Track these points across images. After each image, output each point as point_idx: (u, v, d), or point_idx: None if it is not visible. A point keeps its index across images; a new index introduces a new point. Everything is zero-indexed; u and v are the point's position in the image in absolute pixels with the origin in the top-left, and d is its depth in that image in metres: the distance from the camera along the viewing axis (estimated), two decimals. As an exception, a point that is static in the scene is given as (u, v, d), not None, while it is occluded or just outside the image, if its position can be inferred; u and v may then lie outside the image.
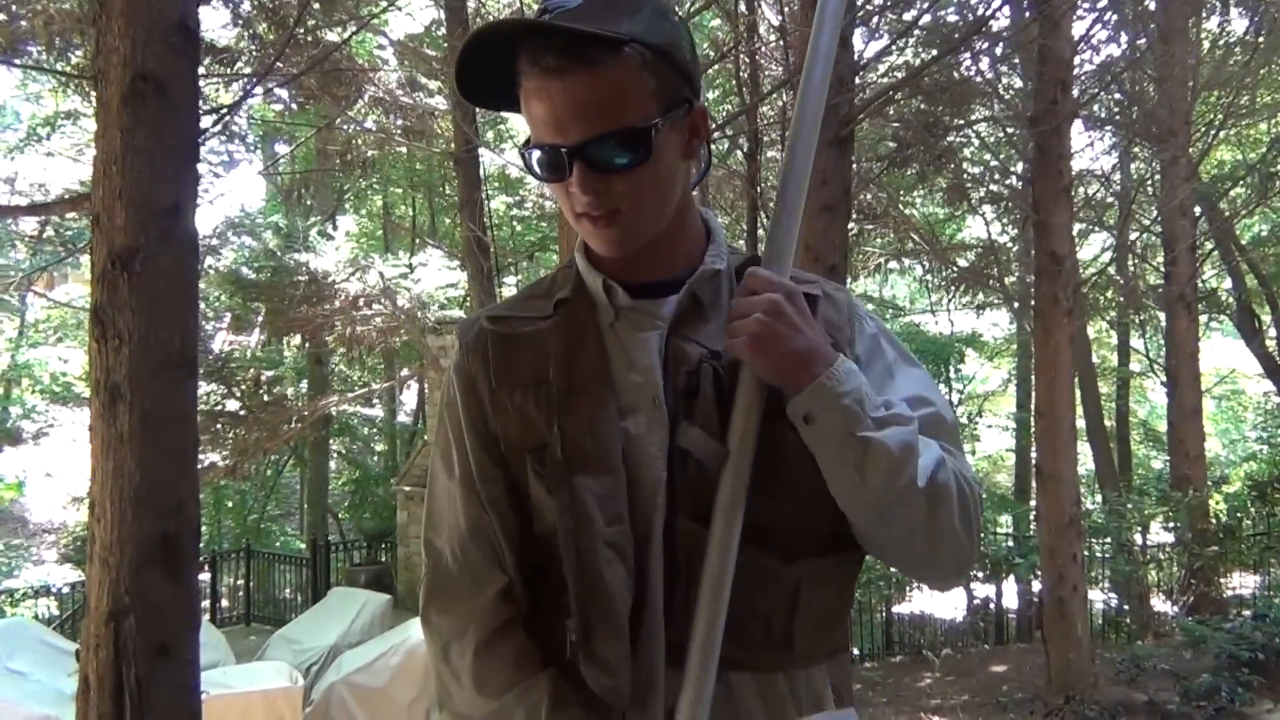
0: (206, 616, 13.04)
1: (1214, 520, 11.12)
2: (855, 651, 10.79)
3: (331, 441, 18.10)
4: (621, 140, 1.11)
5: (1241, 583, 11.48)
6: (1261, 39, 9.13)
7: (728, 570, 1.10)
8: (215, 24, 9.22)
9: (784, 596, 1.16)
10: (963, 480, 1.16)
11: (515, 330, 1.27)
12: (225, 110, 4.63)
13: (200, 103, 3.62)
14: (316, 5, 6.80)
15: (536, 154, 1.15)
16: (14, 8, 6.64)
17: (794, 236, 1.24)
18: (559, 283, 1.30)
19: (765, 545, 1.14)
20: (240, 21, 7.74)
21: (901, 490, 1.10)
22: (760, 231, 7.61)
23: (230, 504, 18.31)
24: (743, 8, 7.09)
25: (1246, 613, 8.81)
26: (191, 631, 3.42)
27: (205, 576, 14.10)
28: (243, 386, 11.23)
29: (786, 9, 7.58)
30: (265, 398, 11.43)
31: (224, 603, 14.93)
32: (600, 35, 1.07)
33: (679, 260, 1.23)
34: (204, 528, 17.68)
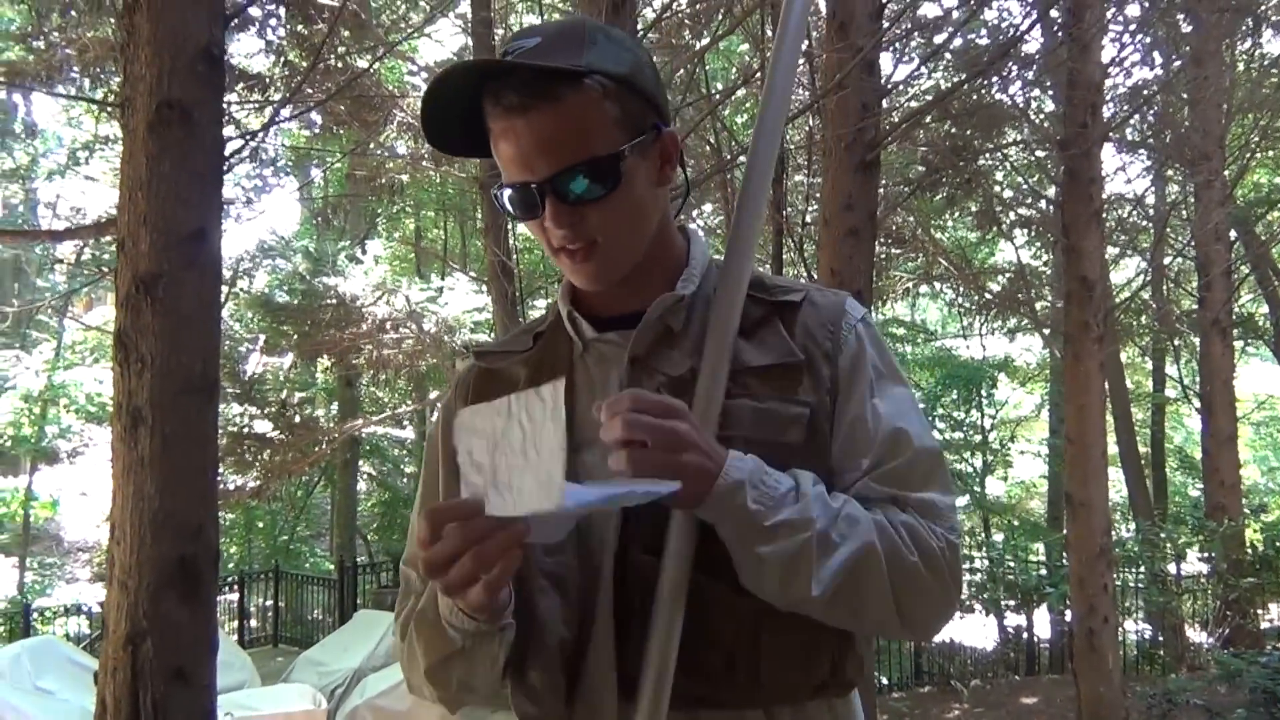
0: (235, 637, 13.11)
1: (1250, 550, 10.90)
2: (883, 681, 10.66)
3: (361, 463, 18.20)
4: (589, 171, 1.11)
5: (1279, 614, 11.25)
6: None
7: (680, 600, 1.09)
8: (249, 50, 9.41)
9: (744, 628, 1.12)
10: (907, 550, 1.11)
11: (496, 365, 1.31)
12: (250, 135, 4.68)
13: (229, 129, 3.68)
14: (346, 33, 6.89)
15: (508, 193, 1.16)
16: (54, 35, 6.79)
17: (752, 249, 1.25)
18: (547, 317, 1.32)
19: (717, 574, 1.11)
20: (272, 49, 7.86)
21: (796, 599, 1.08)
22: (786, 255, 7.59)
23: (260, 525, 18.43)
24: (768, 32, 7.09)
25: (1285, 646, 8.62)
26: (209, 655, 3.44)
27: (234, 597, 14.20)
28: (273, 409, 11.33)
29: (813, 33, 7.59)
30: (296, 420, 11.51)
31: (252, 623, 15.00)
32: (559, 69, 1.08)
33: (657, 288, 1.23)
34: (234, 548, 17.86)
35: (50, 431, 18.26)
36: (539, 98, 1.08)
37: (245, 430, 9.78)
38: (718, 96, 6.95)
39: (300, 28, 7.70)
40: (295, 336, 11.44)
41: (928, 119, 7.47)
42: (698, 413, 1.13)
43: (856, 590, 1.07)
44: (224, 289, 4.07)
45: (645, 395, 1.05)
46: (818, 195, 6.31)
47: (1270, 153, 11.30)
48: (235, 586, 14.28)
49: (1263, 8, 8.46)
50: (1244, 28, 9.14)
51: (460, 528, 0.95)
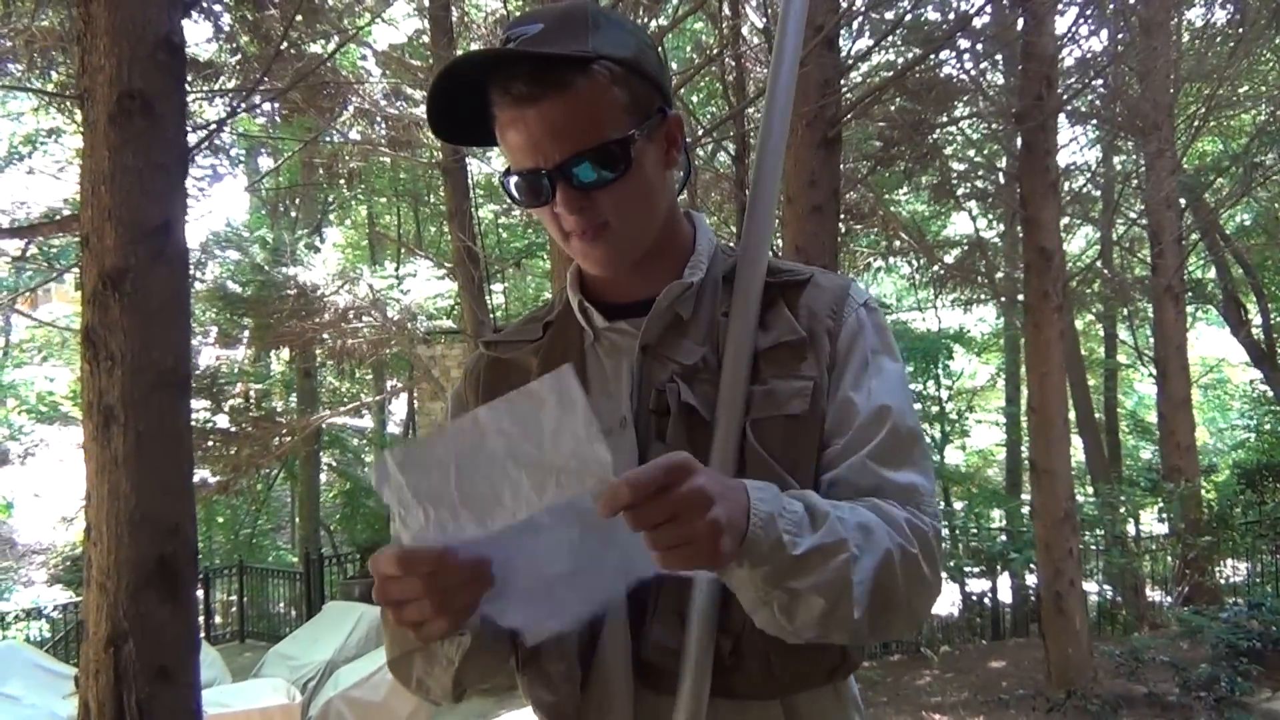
0: (201, 634, 12.95)
1: (1207, 510, 11.16)
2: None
3: (322, 454, 18.04)
4: (600, 156, 1.10)
5: (1235, 570, 11.54)
6: (1242, 30, 9.17)
7: (714, 588, 1.08)
8: (197, 38, 9.20)
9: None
10: (910, 546, 1.07)
11: (505, 354, 1.30)
12: (213, 126, 4.59)
13: (187, 119, 3.59)
14: (299, 18, 6.76)
15: (516, 180, 1.15)
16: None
17: (769, 231, 1.25)
18: (555, 305, 1.31)
19: None
20: (222, 35, 7.70)
21: (833, 628, 1.02)
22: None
23: (221, 520, 18.21)
24: (726, 11, 7.08)
25: (1241, 602, 8.85)
26: (191, 653, 3.41)
27: (199, 594, 13.98)
28: (232, 402, 11.16)
29: (770, 10, 7.58)
30: (255, 413, 11.36)
31: (218, 619, 14.84)
32: (568, 56, 1.08)
33: (666, 275, 1.22)
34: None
35: (1, 433, 17.85)
36: (549, 85, 1.07)
37: (209, 425, 9.64)
38: (678, 78, 6.93)
39: (250, 13, 7.55)
40: (253, 328, 11.27)
41: (884, 95, 7.52)
42: (723, 405, 1.12)
43: (886, 601, 1.03)
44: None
45: (641, 476, 0.87)
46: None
47: (1217, 121, 11.51)
48: (200, 583, 14.10)
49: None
50: (1190, -2, 9.28)
51: (430, 576, 0.91)
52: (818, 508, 1.03)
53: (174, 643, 3.31)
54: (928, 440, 17.27)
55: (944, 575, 1.15)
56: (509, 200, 1.27)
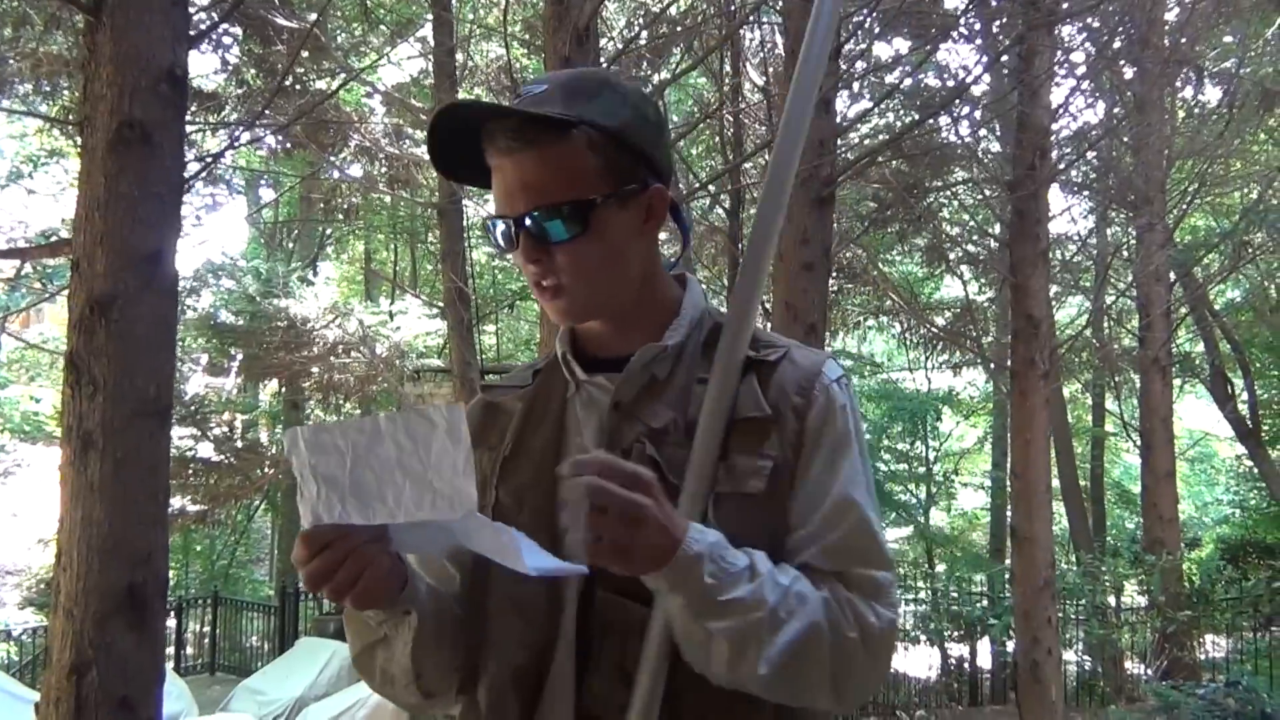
0: (171, 664, 12.76)
1: (1187, 584, 11.14)
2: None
3: (304, 487, 17.89)
4: (558, 214, 1.16)
5: (1216, 645, 11.48)
6: (1235, 110, 9.32)
7: (665, 652, 1.11)
8: (204, 69, 9.30)
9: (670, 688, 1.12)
10: (849, 628, 1.11)
11: (496, 399, 1.36)
12: (211, 158, 4.63)
13: (186, 149, 3.63)
14: (304, 54, 6.85)
15: (491, 224, 1.23)
16: (2, 49, 6.67)
17: (757, 297, 1.28)
18: (550, 355, 1.36)
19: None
20: (228, 68, 7.79)
21: (742, 676, 1.08)
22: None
23: (199, 549, 18.02)
24: (728, 68, 7.20)
25: (1220, 679, 8.80)
26: (155, 685, 3.36)
27: (171, 623, 13.82)
28: (217, 431, 11.10)
29: (770, 70, 7.70)
30: (239, 443, 11.31)
31: (189, 650, 14.63)
32: (548, 118, 1.14)
33: (645, 335, 1.26)
34: (171, 573, 17.40)
35: (-17, 452, 17.72)
36: (526, 143, 1.15)
37: (190, 454, 9.58)
38: (677, 131, 7.01)
39: (257, 48, 7.64)
40: (242, 359, 11.26)
41: (880, 158, 7.62)
42: (694, 470, 1.15)
43: (800, 668, 1.08)
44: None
45: (614, 463, 1.03)
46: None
47: (1208, 198, 11.65)
48: (172, 612, 13.92)
49: (1202, 60, 8.75)
50: (1185, 76, 9.43)
51: (332, 547, 1.04)
52: (758, 568, 1.09)
53: (138, 673, 3.27)
54: (914, 499, 17.28)
55: (924, 639, 1.14)
56: (492, 245, 1.33)
